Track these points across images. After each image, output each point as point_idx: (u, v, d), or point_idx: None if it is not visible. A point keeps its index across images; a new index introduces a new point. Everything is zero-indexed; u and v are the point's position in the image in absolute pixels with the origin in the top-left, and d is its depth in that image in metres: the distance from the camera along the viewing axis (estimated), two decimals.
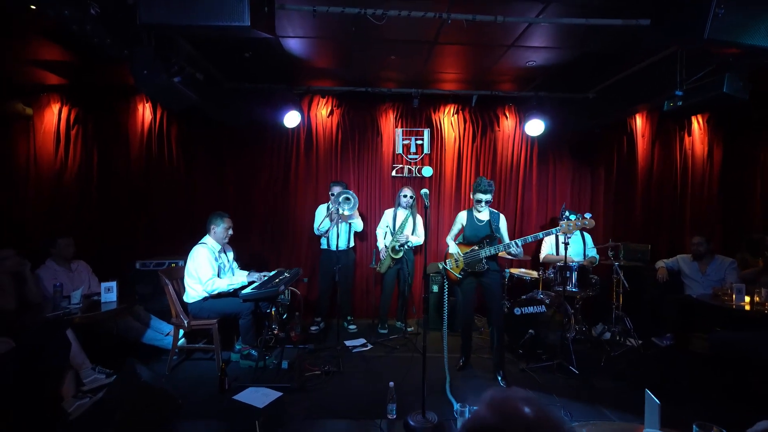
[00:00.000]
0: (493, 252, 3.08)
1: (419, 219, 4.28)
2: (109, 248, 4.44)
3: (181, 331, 3.33)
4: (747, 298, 3.25)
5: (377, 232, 4.38)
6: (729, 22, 1.95)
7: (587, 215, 2.96)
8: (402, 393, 2.78)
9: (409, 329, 4.28)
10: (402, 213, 4.24)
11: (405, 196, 4.20)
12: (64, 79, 4.25)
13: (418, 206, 4.31)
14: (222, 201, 4.65)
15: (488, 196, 3.15)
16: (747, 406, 2.72)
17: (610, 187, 4.90)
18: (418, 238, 4.21)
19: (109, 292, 3.15)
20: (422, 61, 3.71)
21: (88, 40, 2.37)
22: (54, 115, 4.52)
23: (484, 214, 3.24)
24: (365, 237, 4.75)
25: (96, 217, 4.50)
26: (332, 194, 4.11)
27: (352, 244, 4.36)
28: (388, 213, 4.33)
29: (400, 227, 4.16)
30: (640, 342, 3.89)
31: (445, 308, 3.08)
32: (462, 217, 3.34)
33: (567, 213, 3.89)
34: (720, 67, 2.78)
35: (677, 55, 3.01)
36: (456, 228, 3.36)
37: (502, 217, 3.27)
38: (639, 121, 4.81)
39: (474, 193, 3.20)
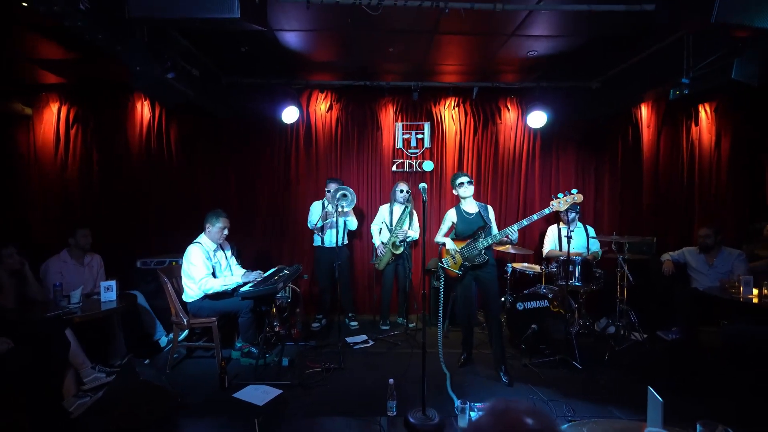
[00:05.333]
0: (490, 242, 3.03)
1: (415, 213, 4.26)
2: (112, 247, 4.44)
3: (184, 332, 3.34)
4: (755, 291, 3.18)
5: (372, 229, 4.32)
6: (737, 3, 1.87)
7: (573, 191, 2.95)
8: (403, 389, 2.76)
9: (410, 325, 4.25)
10: (398, 208, 4.19)
11: (401, 191, 4.15)
12: (62, 77, 4.23)
13: (416, 201, 4.26)
14: (224, 197, 4.63)
15: (468, 177, 3.17)
16: (762, 401, 2.66)
17: (615, 179, 4.81)
18: (414, 233, 4.20)
19: (109, 291, 3.14)
20: (422, 52, 3.64)
21: (81, 36, 2.34)
22: (53, 115, 4.52)
23: (472, 207, 3.20)
24: (365, 233, 4.71)
25: (98, 215, 4.50)
26: (328, 191, 4.08)
27: (345, 241, 4.32)
28: (384, 209, 4.28)
29: (400, 223, 4.11)
30: (645, 336, 3.83)
31: (441, 304, 3.02)
32: (451, 215, 3.26)
33: (561, 194, 3.84)
34: (729, 53, 2.68)
35: (684, 41, 2.92)
36: (446, 227, 3.28)
37: (490, 208, 3.25)
38: (644, 111, 4.70)
39: (453, 182, 3.20)
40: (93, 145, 4.55)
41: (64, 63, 3.81)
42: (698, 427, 1.17)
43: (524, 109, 4.66)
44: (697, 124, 4.69)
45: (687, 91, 2.95)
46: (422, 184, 2.54)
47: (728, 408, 2.61)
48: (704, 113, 4.68)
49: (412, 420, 2.40)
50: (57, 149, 4.52)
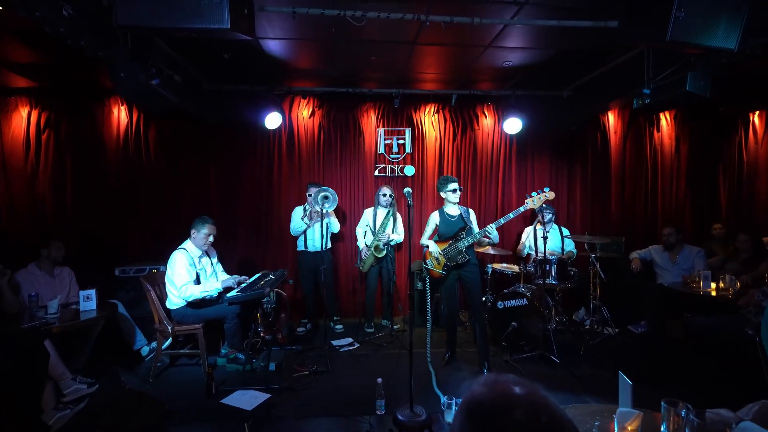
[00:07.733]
0: (471, 241, 3.20)
1: (399, 216, 4.34)
2: (88, 255, 4.30)
3: (168, 340, 3.29)
4: (713, 285, 3.44)
5: (357, 231, 4.39)
6: (689, 24, 2.07)
7: (546, 189, 3.20)
8: (390, 389, 2.82)
9: (395, 327, 4.33)
10: (382, 212, 4.27)
11: (384, 194, 4.23)
12: (32, 81, 4.10)
13: (400, 205, 4.35)
14: (206, 203, 4.59)
15: (457, 184, 3.32)
16: (723, 386, 2.88)
17: (586, 182, 5.07)
18: (398, 236, 4.28)
19: (88, 300, 3.07)
20: (403, 61, 3.76)
21: (62, 42, 2.31)
22: (23, 119, 4.36)
23: (454, 210, 3.37)
24: (348, 237, 4.77)
25: (73, 223, 4.36)
26: (309, 195, 4.13)
27: (329, 245, 4.36)
28: (368, 212, 4.35)
29: (382, 226, 4.20)
30: (617, 330, 4.06)
31: (429, 305, 3.13)
32: (435, 217, 3.43)
33: (534, 193, 4.06)
34: (684, 67, 2.93)
35: (645, 54, 3.16)
36: (430, 228, 3.43)
37: (471, 211, 3.44)
38: (611, 118, 5.00)
39: (443, 186, 3.34)
40: (66, 151, 4.41)
41: (36, 67, 3.70)
42: (662, 404, 1.30)
43: (501, 116, 4.86)
44: (658, 131, 5.04)
45: (648, 101, 3.18)
46: (407, 189, 2.64)
47: (692, 393, 2.82)
48: (665, 120, 5.04)
49: (400, 417, 2.47)
50: (27, 155, 4.36)
